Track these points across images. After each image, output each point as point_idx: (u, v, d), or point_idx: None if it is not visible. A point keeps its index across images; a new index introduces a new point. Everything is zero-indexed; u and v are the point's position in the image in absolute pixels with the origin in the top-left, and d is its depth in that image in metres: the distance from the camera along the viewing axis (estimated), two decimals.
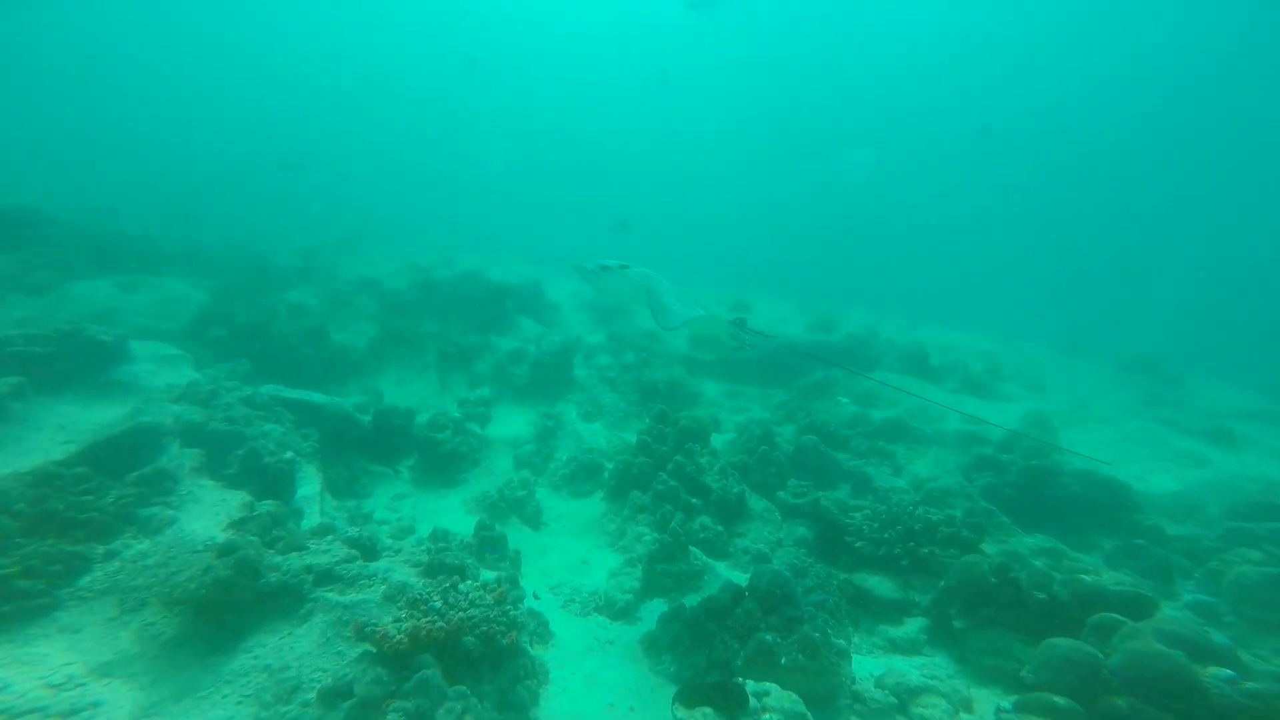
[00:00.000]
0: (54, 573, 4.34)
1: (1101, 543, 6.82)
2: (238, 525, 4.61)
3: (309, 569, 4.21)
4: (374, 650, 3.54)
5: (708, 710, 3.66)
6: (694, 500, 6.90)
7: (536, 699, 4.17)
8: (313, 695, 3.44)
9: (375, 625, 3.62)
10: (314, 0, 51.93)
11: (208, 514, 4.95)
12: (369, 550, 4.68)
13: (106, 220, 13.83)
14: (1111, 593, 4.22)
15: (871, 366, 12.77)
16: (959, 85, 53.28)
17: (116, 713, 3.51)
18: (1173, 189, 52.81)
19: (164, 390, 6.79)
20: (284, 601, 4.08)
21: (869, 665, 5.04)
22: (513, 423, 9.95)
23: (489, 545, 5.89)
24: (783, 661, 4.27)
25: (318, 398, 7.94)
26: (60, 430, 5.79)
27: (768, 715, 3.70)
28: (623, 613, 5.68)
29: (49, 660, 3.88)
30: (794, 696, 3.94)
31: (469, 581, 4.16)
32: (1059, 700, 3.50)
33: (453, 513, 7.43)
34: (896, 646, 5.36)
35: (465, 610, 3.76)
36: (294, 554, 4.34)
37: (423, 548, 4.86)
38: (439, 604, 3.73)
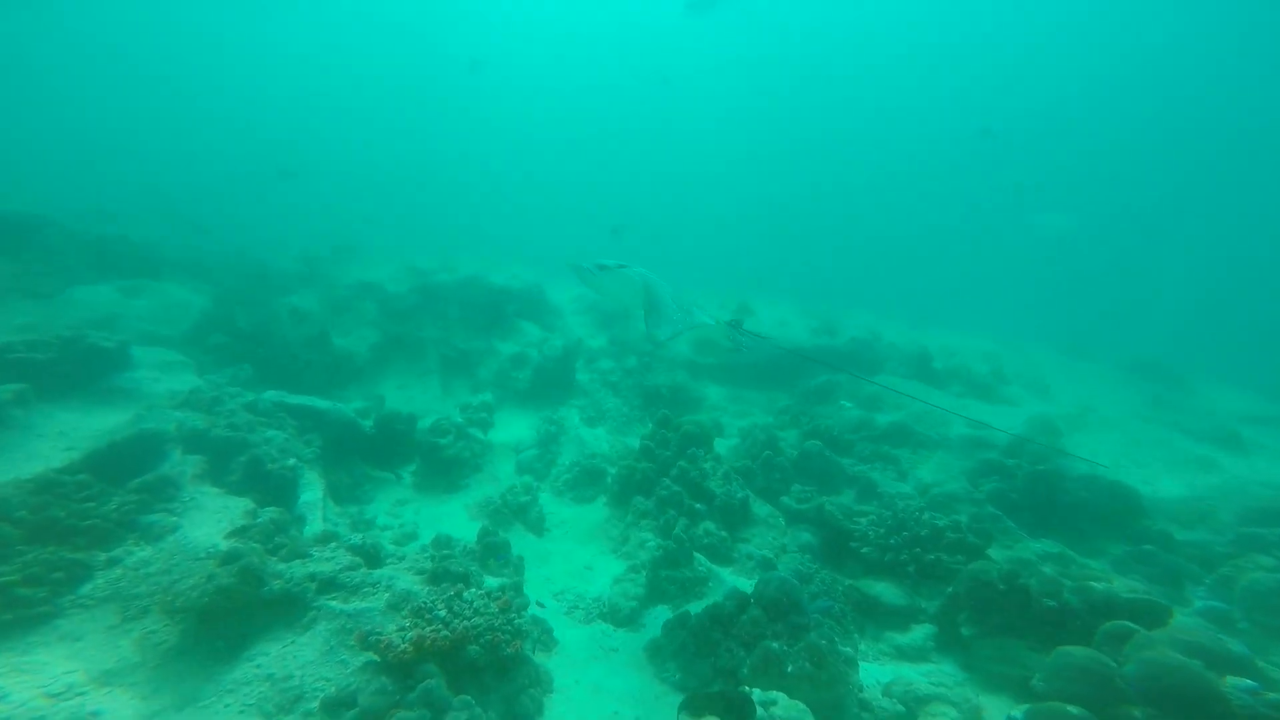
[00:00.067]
0: (56, 580, 4.31)
1: (1109, 548, 6.76)
2: (240, 533, 4.58)
3: (312, 577, 4.18)
4: (378, 659, 3.51)
5: None
6: (698, 506, 6.87)
7: (541, 708, 4.12)
8: (316, 705, 3.41)
9: (379, 634, 3.58)
10: (314, 4, 52.17)
11: (210, 521, 4.92)
12: (372, 557, 4.64)
13: (106, 223, 13.82)
14: (1123, 600, 4.16)
15: (875, 370, 12.73)
16: (959, 85, 53.40)
17: None
18: (1174, 189, 52.83)
19: (166, 397, 6.78)
20: (287, 609, 4.04)
21: (876, 673, 4.99)
22: (515, 427, 9.92)
23: (492, 552, 5.85)
24: (789, 670, 4.22)
25: (320, 403, 7.92)
26: (62, 437, 5.77)
27: None
28: (627, 620, 5.64)
29: (49, 669, 3.85)
30: (801, 706, 3.90)
31: (473, 589, 4.13)
32: (1072, 710, 3.44)
33: (455, 518, 7.39)
34: (903, 654, 5.32)
35: (470, 619, 3.72)
36: (297, 561, 4.31)
37: (426, 555, 4.82)
38: (443, 612, 3.69)
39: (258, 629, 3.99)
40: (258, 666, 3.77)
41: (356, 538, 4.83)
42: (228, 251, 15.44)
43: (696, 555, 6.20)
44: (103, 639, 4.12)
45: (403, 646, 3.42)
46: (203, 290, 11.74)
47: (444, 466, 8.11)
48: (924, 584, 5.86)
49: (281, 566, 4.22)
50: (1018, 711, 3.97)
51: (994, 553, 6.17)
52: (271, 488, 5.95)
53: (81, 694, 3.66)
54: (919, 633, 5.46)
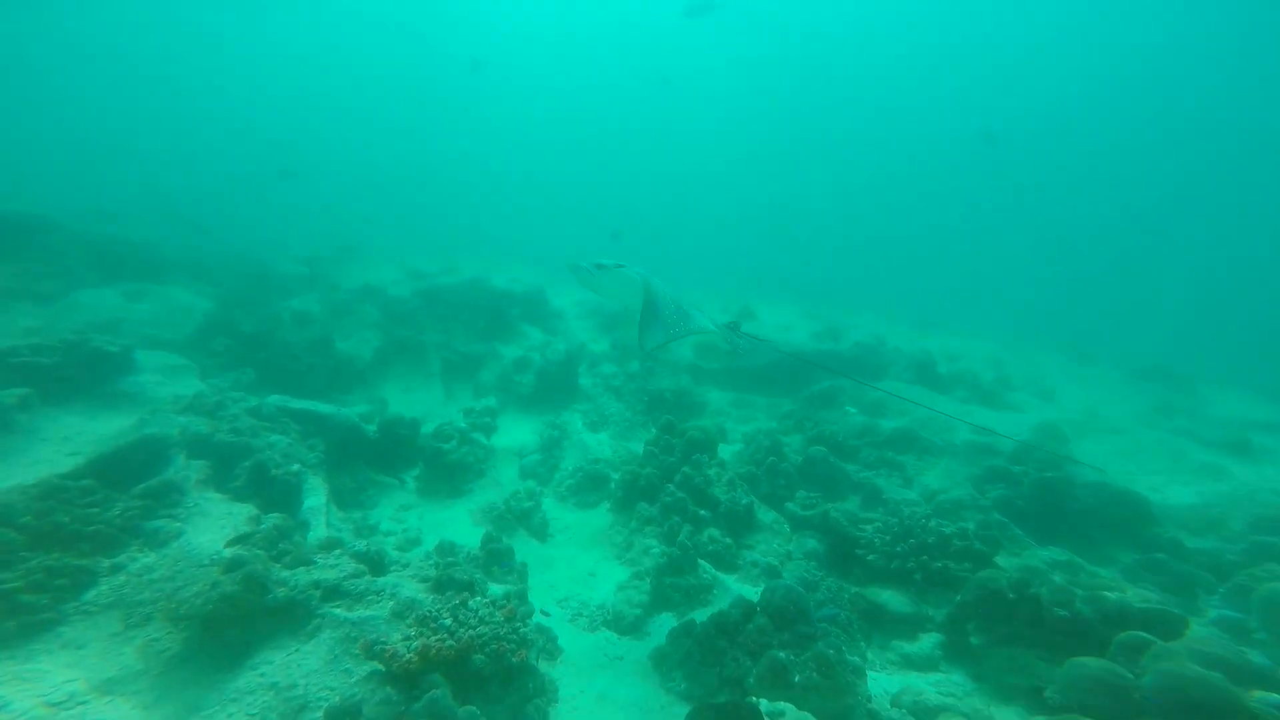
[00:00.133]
0: (59, 587, 4.29)
1: (1119, 556, 6.70)
2: (244, 539, 4.55)
3: (316, 584, 4.15)
4: (383, 669, 3.47)
5: None
6: (702, 512, 6.83)
7: (547, 718, 4.09)
8: (320, 715, 3.37)
9: (384, 643, 3.55)
10: (315, 4, 52.44)
11: (214, 527, 4.90)
12: (377, 565, 4.61)
13: (107, 224, 13.83)
14: (1137, 610, 4.11)
15: (879, 375, 12.68)
16: (959, 85, 53.46)
17: None
18: (1176, 190, 52.78)
19: (170, 401, 6.76)
20: (291, 617, 4.01)
21: (884, 682, 4.94)
22: (518, 432, 9.90)
23: (496, 558, 5.82)
24: (797, 680, 4.17)
25: (324, 408, 7.91)
26: (66, 442, 5.76)
27: None
28: (632, 627, 5.60)
29: (50, 677, 3.82)
30: (809, 717, 3.86)
31: (478, 598, 4.10)
32: None
33: (459, 523, 7.36)
34: (911, 663, 5.26)
35: (475, 628, 3.69)
36: (301, 569, 4.28)
37: (430, 562, 4.79)
38: (449, 621, 3.66)
39: (261, 637, 3.96)
40: (261, 675, 3.74)
41: (360, 544, 4.80)
42: (230, 253, 15.45)
43: (701, 562, 6.16)
44: (105, 646, 4.09)
45: (408, 656, 3.39)
46: (205, 293, 11.76)
47: (447, 471, 8.08)
48: (931, 592, 5.81)
49: (286, 574, 4.19)
50: None
51: (1001, 560, 6.12)
52: (275, 493, 5.93)
53: (83, 703, 3.63)
54: (927, 641, 5.41)
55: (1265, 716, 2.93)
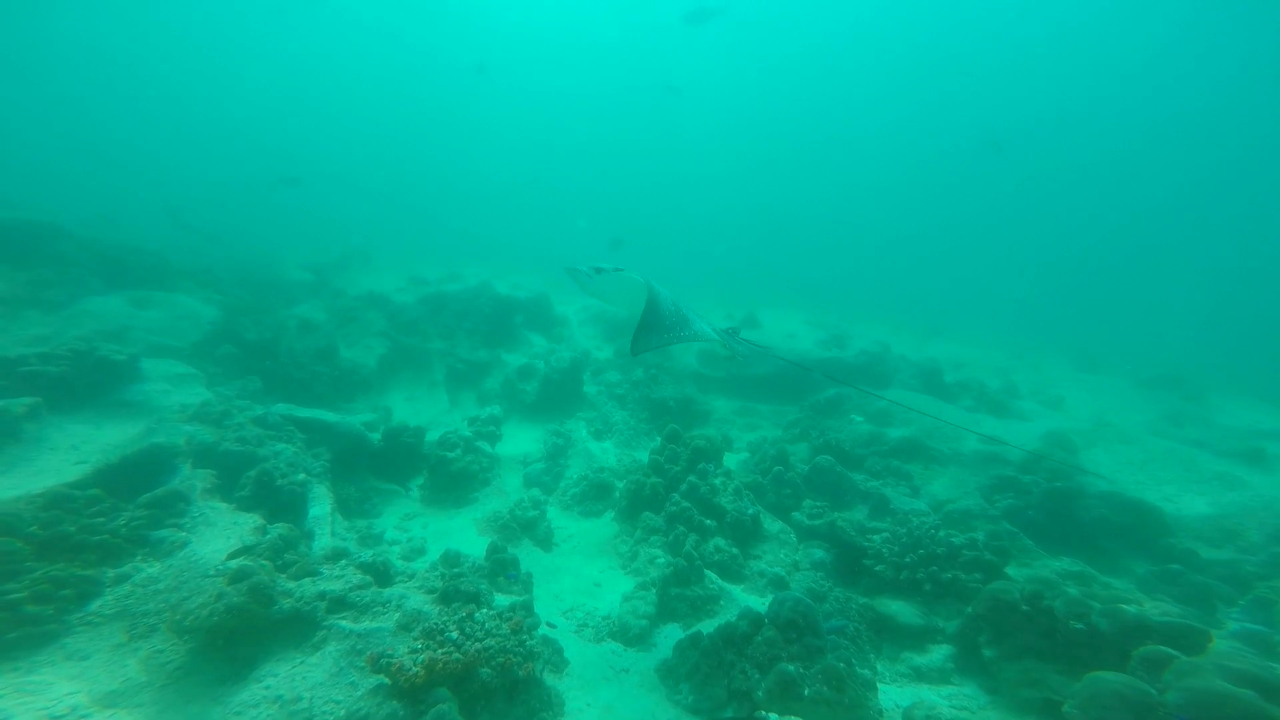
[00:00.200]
0: (64, 598, 4.27)
1: (1132, 567, 6.60)
2: (250, 550, 4.53)
3: (322, 595, 4.12)
4: (389, 682, 3.44)
5: None
6: (708, 522, 6.77)
7: None
8: None
9: (390, 656, 3.51)
10: (319, 13, 53.07)
11: (220, 537, 4.88)
12: (382, 576, 4.58)
13: (114, 230, 13.94)
14: (1157, 623, 4.02)
15: (884, 383, 12.62)
16: (966, 91, 53.53)
17: None
18: (1185, 198, 52.62)
19: (176, 410, 6.77)
20: (296, 629, 3.98)
21: (895, 695, 4.86)
22: (522, 440, 9.87)
23: (502, 568, 5.78)
24: (806, 693, 4.11)
25: (329, 416, 7.90)
26: (73, 450, 5.76)
27: None
28: (637, 639, 5.54)
29: (53, 689, 3.79)
30: None
31: (484, 610, 4.06)
32: None
33: (464, 532, 7.31)
34: (922, 675, 5.18)
35: (482, 640, 3.65)
36: (307, 579, 4.25)
37: (436, 573, 4.76)
38: (455, 634, 3.62)
39: (266, 649, 3.93)
40: (266, 688, 3.70)
41: (366, 554, 4.77)
42: (236, 259, 15.56)
43: (707, 572, 6.10)
44: (109, 658, 4.07)
45: (414, 670, 3.35)
46: (212, 300, 11.79)
47: (452, 480, 8.05)
48: (940, 603, 5.73)
49: (291, 585, 4.16)
50: None
51: (1012, 571, 6.05)
52: (281, 502, 5.91)
53: (85, 716, 3.60)
54: (938, 653, 5.33)
55: None
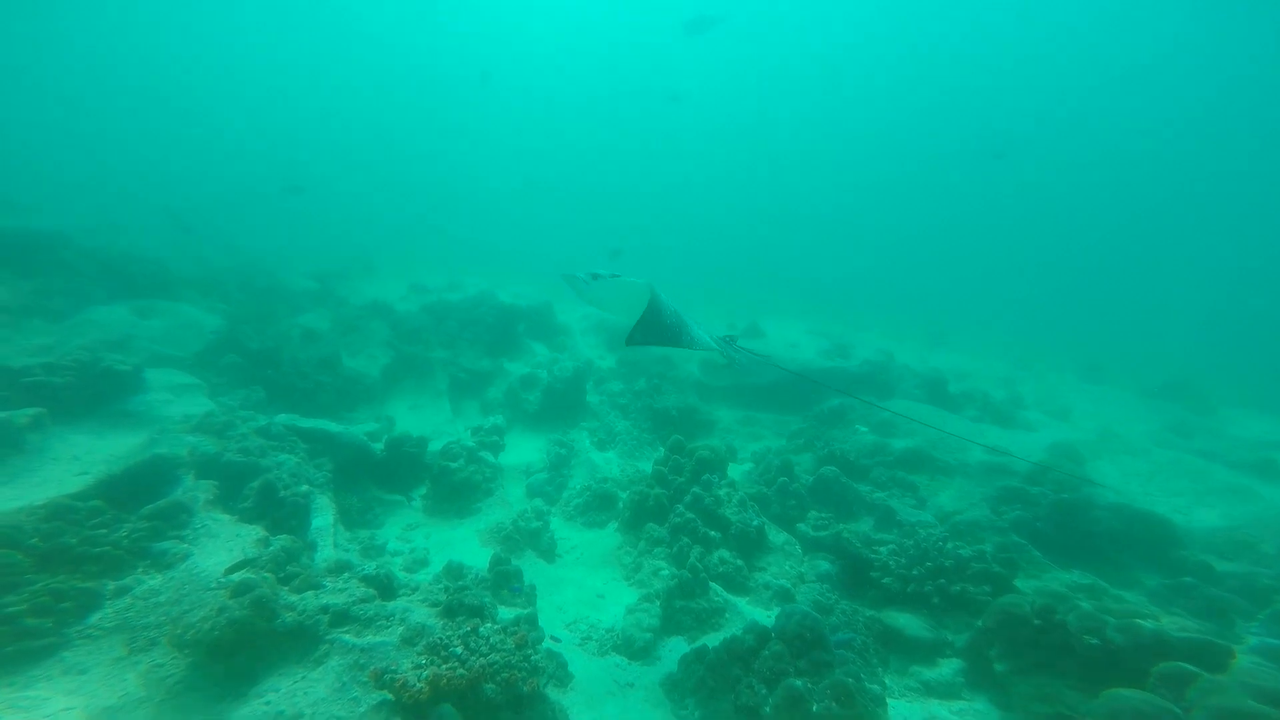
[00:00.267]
0: (64, 610, 4.23)
1: (1144, 580, 6.51)
2: (253, 562, 4.49)
3: (325, 609, 4.07)
4: (392, 698, 3.38)
5: None
6: (712, 533, 6.72)
7: None
8: None
9: (394, 671, 3.46)
10: (325, 24, 53.67)
11: (222, 549, 4.84)
12: (386, 589, 4.53)
13: (118, 237, 13.97)
14: (1176, 640, 3.94)
15: (889, 393, 12.56)
16: (968, 96, 53.74)
17: None
18: (1190, 207, 52.61)
19: (179, 420, 6.75)
20: (298, 643, 3.93)
21: (904, 710, 4.78)
22: (525, 450, 9.83)
23: (505, 580, 5.73)
24: (815, 709, 4.04)
25: (332, 426, 7.88)
26: (75, 461, 5.74)
27: None
28: (642, 652, 5.47)
29: (48, 704, 3.73)
30: None
31: (489, 624, 4.01)
32: None
33: (466, 543, 7.26)
34: (931, 690, 5.10)
35: (486, 656, 3.60)
36: (309, 593, 4.20)
37: (440, 586, 4.70)
38: (460, 650, 3.57)
39: (268, 663, 3.87)
40: (267, 703, 3.64)
41: (370, 567, 4.72)
42: (239, 267, 15.59)
43: (712, 584, 6.04)
44: (108, 672, 4.01)
45: (418, 686, 3.30)
46: (215, 309, 11.81)
47: (454, 490, 8.00)
48: (949, 616, 5.65)
49: (294, 598, 4.11)
50: None
51: (1021, 583, 5.97)
52: (283, 513, 5.87)
53: None
54: (947, 667, 5.25)
55: None
